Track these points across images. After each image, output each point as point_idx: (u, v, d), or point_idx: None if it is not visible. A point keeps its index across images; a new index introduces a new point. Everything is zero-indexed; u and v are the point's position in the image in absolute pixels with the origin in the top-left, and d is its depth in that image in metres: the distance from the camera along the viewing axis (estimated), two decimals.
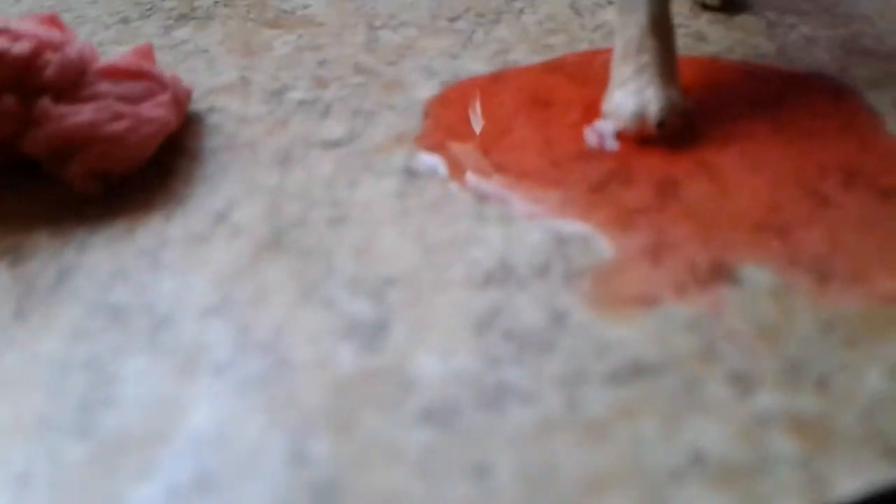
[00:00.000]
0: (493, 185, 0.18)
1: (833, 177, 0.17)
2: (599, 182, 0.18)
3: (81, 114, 0.18)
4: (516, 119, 0.20)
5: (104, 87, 0.18)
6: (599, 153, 0.19)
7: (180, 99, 0.20)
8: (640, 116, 0.18)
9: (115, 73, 0.19)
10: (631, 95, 0.19)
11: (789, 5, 0.25)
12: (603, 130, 0.19)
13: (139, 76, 0.19)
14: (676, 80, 0.19)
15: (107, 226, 0.18)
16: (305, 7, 0.28)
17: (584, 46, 0.24)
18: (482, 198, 0.17)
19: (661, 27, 0.19)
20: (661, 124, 0.18)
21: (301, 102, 0.22)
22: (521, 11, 0.26)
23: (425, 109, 0.21)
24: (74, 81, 0.18)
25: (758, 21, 0.24)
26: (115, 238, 0.17)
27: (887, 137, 0.18)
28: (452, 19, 0.26)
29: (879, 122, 0.19)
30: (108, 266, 0.17)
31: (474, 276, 0.16)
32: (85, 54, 0.19)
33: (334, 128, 0.21)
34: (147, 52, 0.21)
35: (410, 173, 0.19)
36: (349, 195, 0.18)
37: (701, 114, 0.20)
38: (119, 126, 0.18)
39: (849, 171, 0.17)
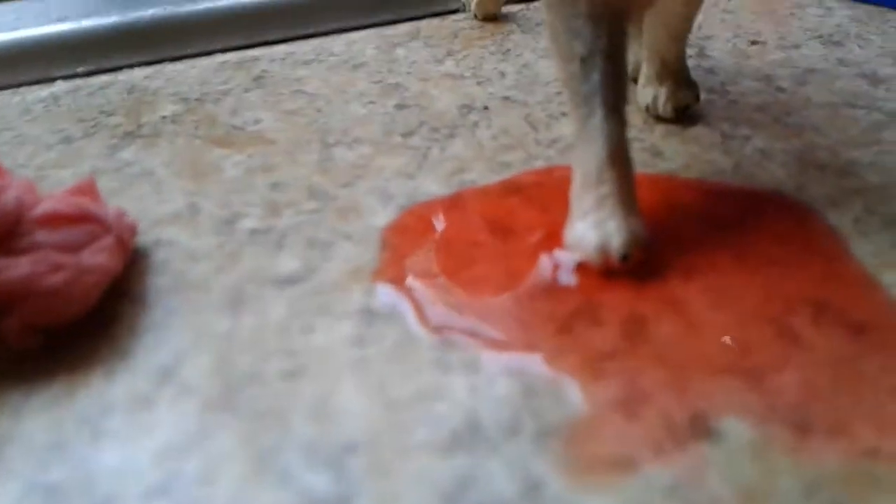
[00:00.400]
0: (455, 327, 0.17)
1: (802, 311, 0.17)
2: (566, 322, 0.17)
3: (17, 267, 0.17)
4: (477, 249, 0.20)
5: (42, 236, 0.17)
6: (564, 287, 0.18)
7: (124, 239, 0.19)
8: (603, 250, 0.18)
9: (54, 220, 0.18)
10: (592, 228, 0.18)
11: (741, 116, 0.25)
12: (565, 263, 0.19)
13: (80, 220, 0.18)
14: (637, 210, 0.19)
15: (45, 387, 0.16)
16: (256, 122, 0.27)
17: (540, 163, 0.24)
18: (445, 342, 0.17)
19: (619, 158, 0.19)
20: (624, 258, 0.18)
21: (253, 232, 0.21)
22: (476, 125, 0.26)
23: (382, 238, 0.21)
24: (10, 231, 0.17)
25: (712, 134, 0.25)
26: (54, 402, 0.16)
27: (853, 263, 0.18)
28: (407, 135, 0.26)
29: (843, 245, 0.19)
30: (46, 437, 0.15)
31: (440, 438, 0.15)
32: (22, 200, 0.18)
33: (288, 262, 0.20)
34: (89, 188, 0.20)
35: (369, 314, 0.18)
36: (304, 342, 0.17)
37: (663, 240, 0.19)
38: (58, 278, 0.17)
39: (817, 304, 0.17)
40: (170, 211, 0.23)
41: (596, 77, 0.19)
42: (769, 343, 0.16)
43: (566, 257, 0.19)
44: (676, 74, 0.25)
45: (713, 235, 0.20)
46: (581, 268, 0.19)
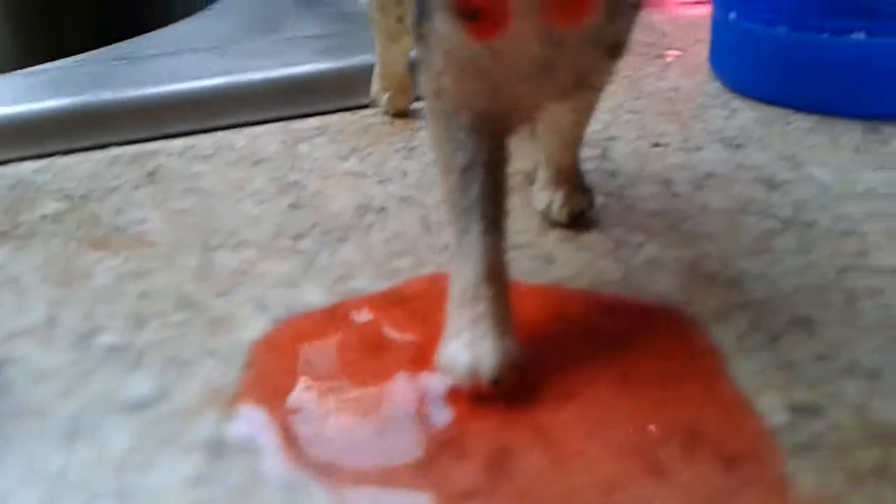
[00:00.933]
0: (310, 462, 0.16)
1: (675, 441, 0.16)
2: (428, 455, 0.16)
3: None
4: (347, 370, 0.19)
5: None
6: (433, 414, 0.17)
7: None
8: (475, 373, 0.17)
9: None
10: (465, 348, 0.17)
11: (636, 221, 0.25)
12: (436, 387, 0.18)
13: None
14: (512, 330, 0.18)
15: None
16: (141, 223, 0.26)
17: (429, 269, 0.23)
18: (294, 484, 0.15)
19: (496, 275, 0.18)
20: (495, 381, 0.17)
21: (111, 349, 0.20)
22: (370, 227, 0.26)
23: (249, 356, 0.19)
24: None
25: (605, 240, 0.24)
26: None
27: (730, 387, 0.18)
28: (297, 237, 0.25)
29: (723, 366, 0.18)
30: None
31: None
32: None
33: (141, 384, 0.19)
34: None
35: (218, 447, 0.17)
36: (140, 482, 0.16)
37: (541, 360, 0.19)
38: None
39: (691, 433, 0.16)
40: (26, 323, 0.21)
41: (475, 190, 0.19)
42: (637, 478, 0.15)
43: (437, 380, 0.18)
44: (571, 180, 0.25)
45: (595, 354, 0.19)
46: (452, 392, 0.18)
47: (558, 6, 0.13)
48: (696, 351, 0.19)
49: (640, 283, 0.22)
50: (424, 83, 0.19)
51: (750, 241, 0.24)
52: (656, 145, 0.31)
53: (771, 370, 0.18)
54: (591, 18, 0.13)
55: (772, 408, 0.17)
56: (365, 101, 0.36)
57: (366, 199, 0.27)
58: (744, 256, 0.23)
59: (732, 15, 0.35)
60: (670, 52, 0.42)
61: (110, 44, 0.42)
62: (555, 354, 0.19)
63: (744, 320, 0.20)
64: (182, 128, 0.33)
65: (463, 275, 0.18)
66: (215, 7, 0.50)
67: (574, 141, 0.24)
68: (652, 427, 0.16)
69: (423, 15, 0.18)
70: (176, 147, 0.32)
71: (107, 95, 0.33)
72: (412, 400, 0.18)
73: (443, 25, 0.17)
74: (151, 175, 0.30)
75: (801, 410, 0.17)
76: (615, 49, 0.18)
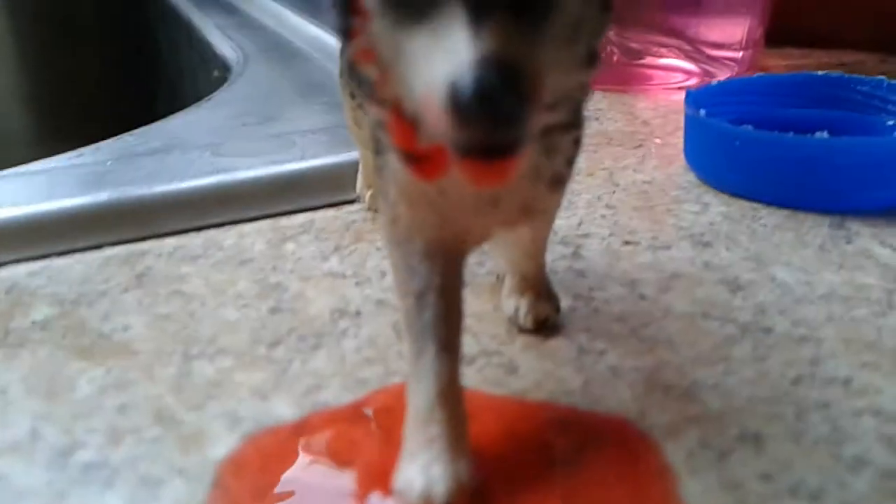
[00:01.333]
0: None
1: None
2: None
3: None
4: (307, 493, 0.19)
5: None
6: None
7: None
8: (426, 497, 0.18)
9: None
10: (418, 472, 0.18)
11: (601, 327, 0.26)
12: None
13: None
14: (466, 452, 0.19)
15: None
16: (125, 329, 0.28)
17: (397, 379, 0.24)
18: None
19: (449, 397, 0.19)
20: None
21: (87, 467, 0.21)
22: (344, 334, 0.27)
23: (216, 475, 0.20)
24: None
25: (569, 347, 0.25)
26: None
27: None
28: (273, 345, 0.26)
29: (672, 486, 0.19)
30: None
31: None
32: None
33: None
34: None
35: None
36: None
37: (495, 481, 0.19)
38: None
39: None
40: (10, 438, 0.22)
41: (429, 314, 0.20)
42: None
43: None
44: (536, 287, 0.26)
45: (544, 473, 0.20)
46: None
47: (474, 174, 0.14)
48: (646, 473, 0.20)
49: (598, 394, 0.23)
50: (382, 210, 0.21)
51: (708, 348, 0.25)
52: (627, 243, 0.32)
53: (717, 491, 0.19)
54: (510, 181, 0.14)
55: None
56: (352, 195, 0.37)
57: (342, 302, 0.29)
58: (700, 365, 0.24)
59: (702, 111, 0.36)
60: (650, 141, 0.43)
61: (123, 130, 0.44)
62: (506, 475, 0.20)
63: (694, 435, 0.21)
64: (173, 227, 0.35)
65: (417, 397, 0.19)
66: (215, 97, 0.52)
67: (536, 251, 0.25)
68: None
69: (379, 149, 0.20)
70: (167, 247, 0.34)
71: (103, 197, 0.35)
72: None
73: (395, 161, 0.19)
74: (140, 277, 0.31)
75: None
76: (556, 183, 0.20)
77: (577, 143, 0.20)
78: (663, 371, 0.24)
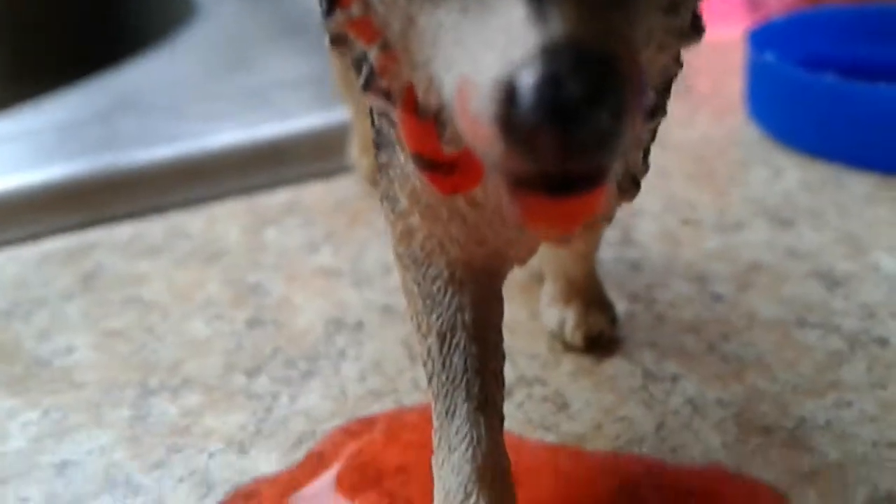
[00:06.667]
0: None
1: None
2: None
3: None
4: None
5: None
6: None
7: None
8: None
9: None
10: None
11: (668, 341, 0.22)
12: None
13: None
14: None
15: None
16: (68, 352, 0.23)
17: (413, 417, 0.20)
18: None
19: (491, 474, 0.15)
20: None
21: None
22: (342, 355, 0.22)
23: None
24: None
25: (631, 371, 0.21)
26: None
27: None
28: (252, 372, 0.22)
29: None
30: None
31: None
32: None
33: None
34: None
35: None
36: None
37: None
38: None
39: None
40: None
41: (458, 360, 0.15)
42: None
43: None
44: (586, 293, 0.21)
45: None
46: None
47: (534, 213, 0.09)
48: None
49: (678, 441, 0.19)
50: (388, 219, 0.16)
51: (811, 369, 0.20)
52: (687, 222, 0.27)
53: None
54: (588, 219, 0.10)
55: None
56: (340, 164, 0.33)
57: (339, 310, 0.24)
58: (805, 395, 0.20)
59: (770, 56, 0.31)
60: (697, 86, 0.39)
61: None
62: None
63: (812, 499, 0.17)
64: (128, 209, 0.30)
65: (448, 474, 0.15)
66: (177, 40, 0.47)
67: (588, 251, 0.21)
68: None
69: (380, 140, 0.15)
70: (120, 236, 0.29)
71: (39, 176, 0.30)
72: None
73: (406, 162, 0.14)
74: (87, 279, 0.27)
75: None
76: (630, 186, 0.15)
77: (655, 132, 0.15)
78: (758, 404, 0.19)
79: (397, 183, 0.15)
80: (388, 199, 0.16)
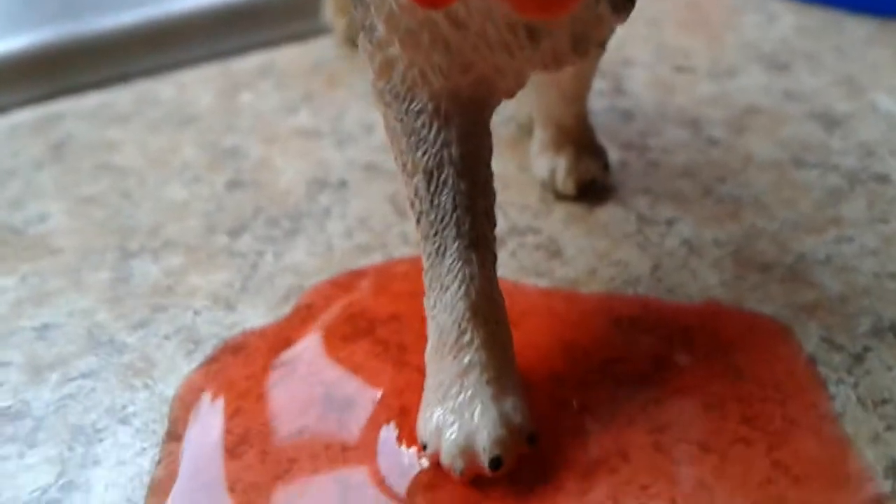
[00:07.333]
0: None
1: None
2: None
3: None
4: (299, 443, 0.15)
5: None
6: None
7: None
8: (467, 451, 0.14)
9: None
10: (452, 420, 0.14)
11: (663, 186, 0.21)
12: (414, 470, 0.14)
13: None
14: (514, 384, 0.14)
15: None
16: (42, 220, 0.22)
17: (403, 268, 0.19)
18: None
19: (484, 312, 0.14)
20: (496, 462, 0.14)
21: (1, 417, 0.17)
22: (327, 213, 0.22)
23: (171, 421, 0.16)
24: None
25: (626, 216, 0.20)
26: None
27: (836, 435, 0.14)
28: (235, 232, 0.21)
29: (824, 398, 0.15)
30: None
31: None
32: None
33: (40, 473, 0.15)
34: None
35: None
36: None
37: (556, 418, 0.15)
38: None
39: None
40: None
41: (447, 198, 0.15)
42: None
43: (415, 461, 0.14)
44: (578, 140, 0.21)
45: (625, 396, 0.15)
46: (438, 474, 0.14)
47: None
48: (790, 377, 0.15)
49: (674, 281, 0.18)
50: (366, 53, 0.15)
51: (810, 207, 0.20)
52: (680, 70, 0.26)
53: (857, 410, 0.15)
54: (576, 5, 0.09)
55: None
56: (316, 24, 0.31)
57: (321, 170, 0.23)
58: (804, 232, 0.19)
59: None
60: None
61: None
62: (570, 406, 0.15)
63: (814, 332, 0.17)
64: (93, 77, 0.29)
65: (441, 313, 0.15)
66: None
67: (578, 92, 0.20)
68: None
69: None
70: (88, 105, 0.28)
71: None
72: (388, 488, 0.14)
73: None
74: (57, 148, 0.26)
75: None
76: (625, 4, 0.14)
77: None
78: (756, 243, 0.19)
79: (373, 8, 0.14)
80: (366, 29, 0.15)
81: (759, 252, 0.19)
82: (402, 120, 0.15)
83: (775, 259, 0.18)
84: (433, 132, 0.15)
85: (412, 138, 0.15)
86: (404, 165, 0.15)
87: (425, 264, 0.15)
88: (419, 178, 0.15)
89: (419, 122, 0.15)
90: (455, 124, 0.15)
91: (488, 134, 0.15)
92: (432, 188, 0.15)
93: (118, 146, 0.25)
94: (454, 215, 0.15)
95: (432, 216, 0.15)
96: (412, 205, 0.15)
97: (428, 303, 0.15)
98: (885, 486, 0.13)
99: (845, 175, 0.21)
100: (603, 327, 0.17)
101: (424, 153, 0.15)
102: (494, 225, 0.15)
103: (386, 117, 0.15)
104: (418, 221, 0.15)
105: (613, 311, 0.17)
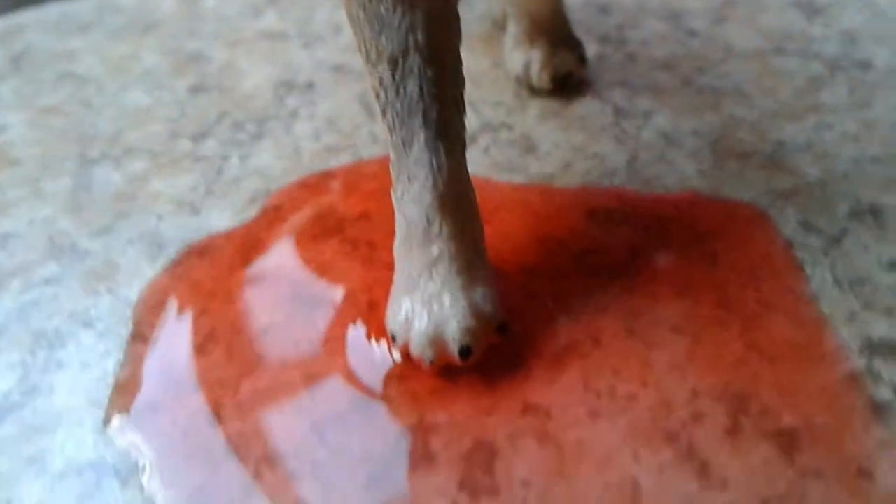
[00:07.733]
0: (211, 494, 0.13)
1: (713, 414, 0.13)
2: (383, 465, 0.13)
3: None
4: (267, 339, 0.15)
5: None
6: (384, 400, 0.14)
7: None
8: (437, 341, 0.13)
9: None
10: (421, 309, 0.14)
11: (640, 78, 0.21)
12: (384, 362, 0.14)
13: None
14: (484, 274, 0.14)
15: None
16: (2, 131, 0.22)
17: (371, 168, 0.19)
18: None
19: (453, 202, 0.14)
20: (466, 351, 0.13)
21: None
22: (294, 115, 0.21)
23: (135, 324, 0.16)
24: None
25: (602, 109, 0.20)
26: None
27: (812, 315, 0.14)
28: (199, 137, 0.21)
29: (801, 280, 0.15)
30: None
31: None
32: None
33: (1, 378, 0.15)
34: None
35: (98, 468, 0.13)
36: None
37: (527, 306, 0.15)
38: None
39: (738, 398, 0.13)
40: None
41: (413, 86, 0.14)
42: (672, 480, 0.12)
43: (385, 354, 0.14)
44: (552, 32, 0.20)
45: (599, 286, 0.15)
46: (409, 366, 0.14)
47: None
48: (766, 261, 0.15)
49: (652, 172, 0.18)
50: None
51: (790, 95, 0.19)
52: None
53: (833, 291, 0.15)
54: None
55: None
56: None
57: (288, 72, 0.23)
58: (784, 120, 0.19)
59: None
60: None
61: None
62: (541, 295, 0.15)
63: (792, 216, 0.16)
64: None
65: (409, 204, 0.14)
66: None
67: None
68: (684, 393, 0.13)
69: None
70: (49, 17, 0.27)
71: None
72: (355, 380, 0.14)
73: None
74: (18, 60, 0.25)
75: (884, 353, 0.13)
76: None
77: None
78: (735, 132, 0.19)
79: None
80: None
81: (738, 141, 0.18)
82: (364, 7, 0.14)
83: (754, 147, 0.18)
84: (398, 16, 0.14)
85: (376, 24, 0.14)
86: (368, 54, 0.14)
87: (392, 156, 0.14)
88: (384, 67, 0.14)
89: (382, 7, 0.14)
90: (420, 9, 0.14)
91: (456, 18, 0.15)
92: (398, 76, 0.14)
93: (79, 55, 0.25)
94: (421, 104, 0.14)
95: (398, 105, 0.14)
96: (377, 96, 0.14)
97: (395, 195, 0.14)
98: (860, 363, 0.13)
99: (826, 62, 0.20)
100: (578, 220, 0.17)
101: (389, 39, 0.14)
102: (464, 113, 0.15)
103: (349, 6, 0.14)
104: (384, 113, 0.14)
105: (589, 204, 0.17)
